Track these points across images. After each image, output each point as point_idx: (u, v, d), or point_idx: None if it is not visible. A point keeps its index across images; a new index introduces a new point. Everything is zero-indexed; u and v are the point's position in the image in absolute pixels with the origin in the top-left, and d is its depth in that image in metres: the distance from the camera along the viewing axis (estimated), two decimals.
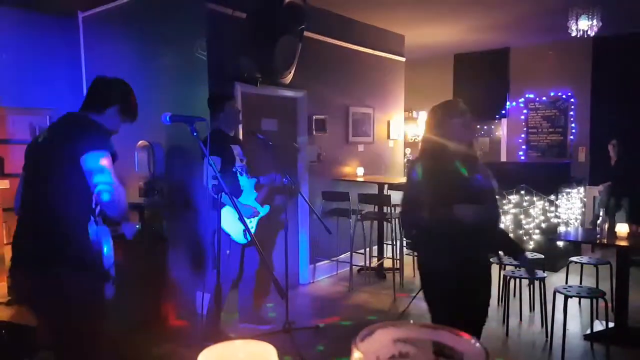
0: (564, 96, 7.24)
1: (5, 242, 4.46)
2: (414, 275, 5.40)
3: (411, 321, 0.44)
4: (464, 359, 0.36)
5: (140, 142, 4.23)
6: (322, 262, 5.33)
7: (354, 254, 5.08)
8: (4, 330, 3.55)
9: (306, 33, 4.32)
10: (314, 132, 5.20)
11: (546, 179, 5.72)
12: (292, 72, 4.20)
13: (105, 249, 1.98)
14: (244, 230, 3.43)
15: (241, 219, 2.27)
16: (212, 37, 4.08)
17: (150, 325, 3.78)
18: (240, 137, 4.38)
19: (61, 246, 1.89)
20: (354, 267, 5.16)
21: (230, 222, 3.37)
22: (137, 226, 2.20)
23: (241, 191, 3.62)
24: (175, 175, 4.25)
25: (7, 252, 4.45)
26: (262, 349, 0.47)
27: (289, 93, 4.89)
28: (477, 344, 0.37)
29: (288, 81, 4.26)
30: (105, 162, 1.88)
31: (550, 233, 5.33)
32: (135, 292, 3.40)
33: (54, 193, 1.92)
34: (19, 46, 4.94)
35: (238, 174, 3.62)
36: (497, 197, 2.45)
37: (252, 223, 3.59)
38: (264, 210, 3.73)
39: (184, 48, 4.23)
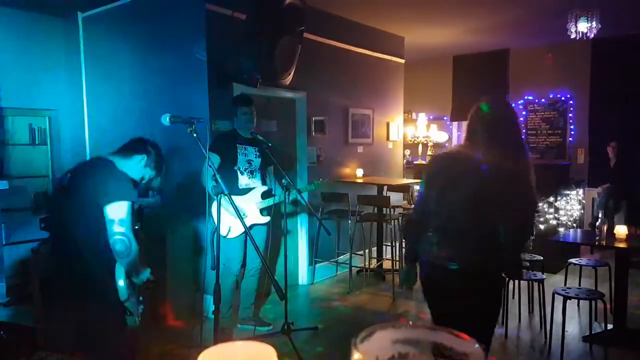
0: (563, 98, 7.25)
1: (4, 242, 4.46)
2: None
3: (410, 322, 0.44)
4: (460, 357, 0.36)
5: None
6: (321, 264, 5.33)
7: (353, 255, 5.08)
8: (3, 330, 3.55)
9: (306, 34, 4.32)
10: (313, 133, 5.20)
11: (545, 180, 5.70)
12: (292, 73, 4.20)
13: (122, 283, 2.06)
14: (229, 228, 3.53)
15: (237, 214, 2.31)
16: (212, 38, 4.08)
17: (149, 325, 3.78)
18: None
19: (88, 285, 1.99)
20: (353, 268, 5.16)
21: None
22: (141, 300, 2.22)
23: (238, 191, 3.61)
24: (175, 176, 4.25)
25: (7, 253, 4.45)
26: (262, 350, 0.48)
27: (288, 94, 4.89)
28: (476, 345, 0.37)
29: (288, 82, 4.26)
30: (124, 212, 2.00)
31: (549, 235, 5.33)
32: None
33: (78, 234, 2.01)
34: (18, 46, 4.94)
35: (239, 173, 3.64)
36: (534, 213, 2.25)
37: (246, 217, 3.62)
38: (262, 220, 3.71)
39: (183, 49, 4.23)
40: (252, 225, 3.66)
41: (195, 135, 2.29)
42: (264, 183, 3.78)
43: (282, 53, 3.99)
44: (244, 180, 3.67)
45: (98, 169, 2.09)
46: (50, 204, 2.19)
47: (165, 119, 2.38)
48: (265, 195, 3.74)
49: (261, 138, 3.69)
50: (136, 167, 2.21)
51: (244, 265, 3.76)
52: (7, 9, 4.80)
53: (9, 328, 3.54)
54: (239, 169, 3.66)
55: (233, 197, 3.45)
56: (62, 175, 2.23)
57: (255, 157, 3.73)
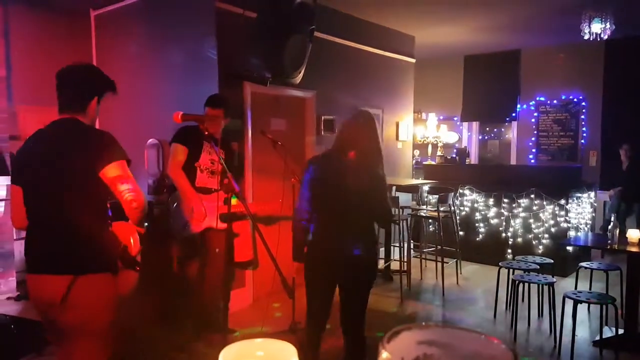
0: (575, 99, 7.18)
1: (15, 237, 4.50)
2: (421, 278, 5.38)
3: (437, 324, 0.43)
4: None
5: (149, 140, 4.25)
6: None
7: None
8: (13, 324, 3.59)
9: (316, 33, 4.31)
10: (322, 132, 5.19)
11: (556, 183, 5.68)
12: (302, 72, 4.20)
13: (132, 239, 2.04)
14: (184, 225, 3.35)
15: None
16: (222, 36, 4.09)
17: (165, 319, 3.82)
18: (250, 135, 4.39)
19: (81, 250, 1.94)
20: None
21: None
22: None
23: (196, 189, 3.43)
24: None
25: (17, 248, 4.50)
26: (283, 347, 0.47)
27: (298, 93, 4.89)
28: (504, 346, 0.36)
29: (297, 81, 4.26)
30: (125, 169, 1.98)
31: (560, 238, 5.28)
32: (148, 287, 3.44)
33: (70, 202, 1.95)
34: (30, 44, 4.99)
35: (199, 171, 3.48)
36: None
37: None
38: (221, 226, 3.43)
39: (193, 47, 4.25)
40: (208, 229, 3.44)
41: (206, 133, 2.30)
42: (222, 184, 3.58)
43: (292, 52, 3.98)
44: (202, 180, 3.47)
45: (73, 134, 2.00)
46: (22, 175, 2.05)
47: (178, 117, 2.39)
48: (225, 201, 3.56)
49: (270, 136, 3.67)
50: (95, 110, 2.10)
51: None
52: (20, 6, 4.85)
53: (19, 323, 3.58)
54: (199, 167, 3.49)
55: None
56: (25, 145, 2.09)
57: (221, 163, 3.55)
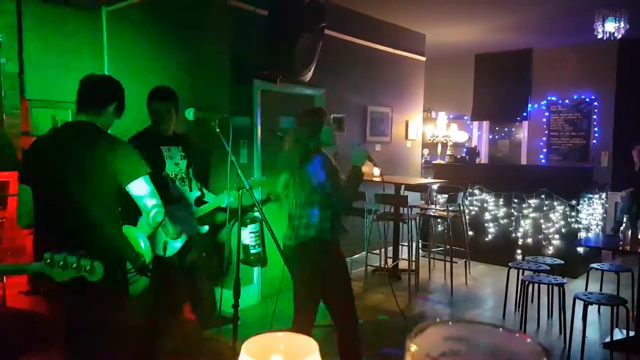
0: (587, 99, 7.10)
1: (27, 232, 4.54)
2: (430, 278, 5.36)
3: (465, 320, 0.43)
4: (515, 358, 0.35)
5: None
6: None
7: (369, 254, 5.06)
8: (23, 319, 3.63)
9: (326, 31, 4.31)
10: None
11: (567, 183, 5.62)
12: (312, 70, 4.20)
13: (143, 245, 2.11)
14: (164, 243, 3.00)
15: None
16: (233, 33, 4.10)
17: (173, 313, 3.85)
18: (259, 133, 4.39)
19: (96, 254, 1.97)
20: (369, 267, 5.14)
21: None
22: None
23: (174, 200, 3.06)
24: None
25: (29, 242, 4.54)
26: (305, 342, 0.47)
27: (307, 91, 4.89)
28: (536, 344, 0.35)
29: (307, 79, 4.26)
30: (150, 184, 2.06)
31: (570, 238, 5.23)
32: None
33: (87, 206, 2.00)
34: (42, 39, 5.03)
35: (169, 181, 3.06)
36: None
37: (177, 243, 3.07)
38: (201, 229, 3.27)
39: (205, 44, 4.26)
40: (189, 239, 3.17)
41: (218, 130, 2.31)
42: (194, 190, 3.25)
43: (302, 50, 3.98)
44: (176, 190, 3.11)
45: (105, 145, 2.04)
46: (36, 175, 2.07)
47: (190, 114, 2.39)
48: (198, 203, 3.25)
49: (280, 134, 3.65)
50: (110, 117, 2.15)
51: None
52: (32, 2, 4.89)
53: (28, 317, 3.62)
54: (169, 176, 3.05)
55: (170, 206, 2.91)
56: (35, 146, 2.13)
57: (181, 159, 3.12)
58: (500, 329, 0.38)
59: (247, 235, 4.05)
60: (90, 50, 5.33)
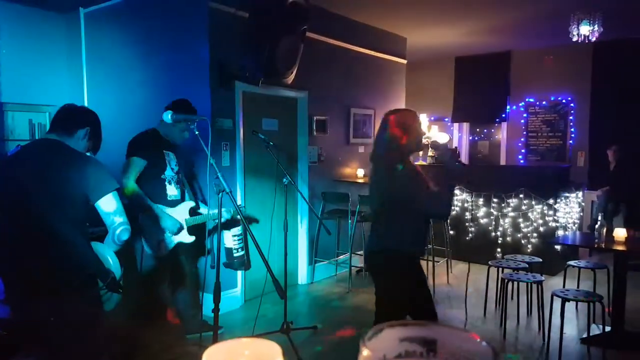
0: (564, 101, 7.26)
1: None
2: None
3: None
4: (469, 357, 0.37)
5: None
6: (321, 263, 5.34)
7: (353, 255, 5.09)
8: (2, 327, 3.55)
9: (308, 33, 4.32)
10: (314, 132, 5.21)
11: (545, 182, 5.74)
12: (294, 72, 4.21)
13: (111, 261, 2.11)
14: (158, 243, 3.15)
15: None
16: (214, 35, 4.09)
17: (150, 322, 3.83)
18: (242, 135, 4.39)
19: (66, 269, 1.96)
20: (353, 268, 5.17)
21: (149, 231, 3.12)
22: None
23: (167, 202, 3.27)
24: None
25: None
26: (268, 347, 0.48)
27: (290, 93, 4.90)
28: (484, 343, 0.37)
29: (290, 81, 4.27)
30: (119, 200, 2.06)
31: (548, 237, 5.34)
32: (133, 289, 3.42)
33: (56, 223, 1.98)
34: (19, 42, 4.94)
35: (167, 183, 3.28)
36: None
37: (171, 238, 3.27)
38: (188, 239, 3.38)
39: (185, 46, 4.24)
40: (178, 244, 3.34)
41: (197, 132, 2.30)
42: (183, 194, 3.39)
43: (284, 52, 3.99)
44: (171, 192, 3.27)
45: (73, 161, 2.03)
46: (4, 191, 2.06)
47: (168, 116, 2.39)
48: (192, 212, 3.41)
49: (262, 136, 3.66)
50: (80, 142, 2.13)
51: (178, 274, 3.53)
52: (8, 3, 4.80)
53: (7, 324, 3.54)
54: (167, 178, 3.25)
55: (166, 207, 3.20)
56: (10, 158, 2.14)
57: (175, 165, 3.34)
58: (454, 330, 0.40)
59: (230, 239, 4.05)
60: (67, 52, 5.26)
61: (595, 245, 3.68)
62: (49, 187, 1.97)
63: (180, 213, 3.38)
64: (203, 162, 3.41)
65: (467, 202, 6.06)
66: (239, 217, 3.03)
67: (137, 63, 4.64)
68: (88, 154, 2.17)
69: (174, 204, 3.33)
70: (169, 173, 3.28)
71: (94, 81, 5.08)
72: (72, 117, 2.15)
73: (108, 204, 2.02)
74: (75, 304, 1.95)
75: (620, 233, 3.58)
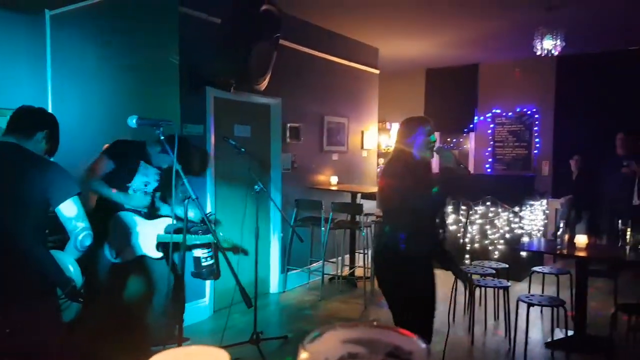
0: (529, 112, 7.50)
1: None
2: None
3: (374, 322, 0.46)
4: (408, 356, 0.38)
5: (105, 145, 4.13)
6: (294, 271, 5.32)
7: (326, 262, 5.09)
8: None
9: (283, 41, 4.34)
10: (288, 139, 5.21)
11: (511, 191, 5.89)
12: (267, 79, 4.21)
13: (72, 270, 2.04)
14: (119, 250, 3.05)
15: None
16: (185, 40, 4.05)
17: (113, 333, 3.71)
18: (213, 142, 4.34)
19: (26, 278, 1.90)
20: (325, 275, 5.17)
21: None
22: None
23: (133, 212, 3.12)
24: None
25: None
26: (216, 355, 0.47)
27: (263, 100, 4.89)
28: (420, 342, 0.39)
29: (262, 88, 4.26)
30: (80, 205, 2.01)
31: (514, 243, 5.47)
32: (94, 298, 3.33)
33: (14, 229, 1.92)
34: None
35: (131, 191, 3.12)
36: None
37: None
38: (155, 254, 3.23)
39: (155, 51, 4.18)
40: (142, 256, 3.21)
41: (162, 138, 2.27)
42: (153, 204, 3.26)
43: (257, 58, 3.99)
44: (132, 201, 3.12)
45: (34, 165, 1.98)
46: None
47: (132, 121, 2.33)
48: (168, 230, 3.24)
49: (233, 142, 3.62)
50: (39, 145, 2.08)
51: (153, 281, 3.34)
52: None
53: None
54: (131, 188, 3.14)
55: (140, 218, 3.11)
56: None
57: (154, 181, 3.20)
58: (392, 331, 0.41)
59: (198, 248, 3.97)
60: (31, 55, 5.11)
61: (558, 252, 3.79)
62: (7, 192, 1.90)
63: (156, 228, 3.28)
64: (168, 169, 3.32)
65: None
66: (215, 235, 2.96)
67: (104, 67, 4.54)
68: (45, 157, 2.11)
69: (153, 216, 3.19)
70: (136, 184, 3.14)
71: (58, 84, 4.95)
72: (30, 119, 2.10)
73: (70, 209, 1.97)
74: (33, 314, 1.88)
75: (581, 240, 3.69)
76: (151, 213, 3.24)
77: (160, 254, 3.25)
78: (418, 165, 2.56)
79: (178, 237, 3.27)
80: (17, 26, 5.01)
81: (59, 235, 2.17)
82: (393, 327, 0.41)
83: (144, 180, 3.18)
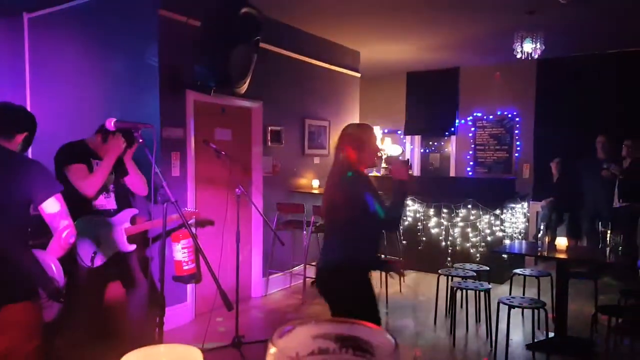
0: (509, 115, 7.60)
1: None
2: None
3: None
4: (376, 350, 0.36)
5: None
6: (275, 275, 5.27)
7: (307, 266, 5.06)
8: None
9: (263, 44, 4.31)
10: (269, 143, 5.17)
11: (492, 194, 5.96)
12: (247, 82, 4.17)
13: (55, 270, 2.03)
14: (93, 254, 3.07)
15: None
16: (165, 43, 4.00)
17: (98, 333, 3.65)
18: (193, 145, 4.29)
19: (6, 280, 1.86)
20: (307, 279, 5.13)
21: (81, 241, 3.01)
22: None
23: (96, 212, 3.13)
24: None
25: None
26: (188, 353, 0.45)
27: (244, 103, 4.86)
28: (388, 335, 0.37)
29: (243, 91, 4.23)
30: (63, 202, 1.99)
31: (495, 246, 5.52)
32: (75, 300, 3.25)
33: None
34: None
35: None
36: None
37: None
38: (129, 248, 3.26)
39: (134, 54, 4.12)
40: (120, 253, 3.23)
41: (141, 140, 2.23)
42: (119, 203, 3.27)
43: (237, 61, 3.95)
44: (99, 201, 3.15)
45: (17, 165, 1.96)
46: None
47: (110, 123, 2.30)
48: (134, 220, 3.32)
49: (214, 146, 3.59)
50: (18, 146, 2.08)
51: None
52: None
53: None
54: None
55: (103, 217, 3.12)
56: None
57: (111, 174, 3.19)
58: (362, 325, 0.39)
59: (179, 251, 3.92)
60: (8, 57, 4.99)
61: (539, 254, 3.82)
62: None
63: (120, 222, 3.26)
64: (148, 171, 3.28)
65: (419, 212, 6.19)
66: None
67: (84, 69, 4.46)
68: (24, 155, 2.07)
69: (107, 214, 3.19)
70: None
71: (37, 87, 4.85)
72: (11, 120, 2.08)
73: (53, 207, 1.96)
74: (17, 315, 1.86)
75: (562, 242, 3.74)
76: (109, 211, 3.22)
77: (134, 246, 3.23)
78: (364, 174, 2.51)
79: (145, 225, 3.26)
80: None
81: (40, 239, 2.12)
82: (363, 322, 0.39)
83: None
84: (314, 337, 0.38)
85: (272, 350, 0.36)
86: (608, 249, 3.59)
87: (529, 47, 5.07)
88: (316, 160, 5.93)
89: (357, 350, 0.37)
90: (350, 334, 0.38)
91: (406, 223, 6.23)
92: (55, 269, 1.99)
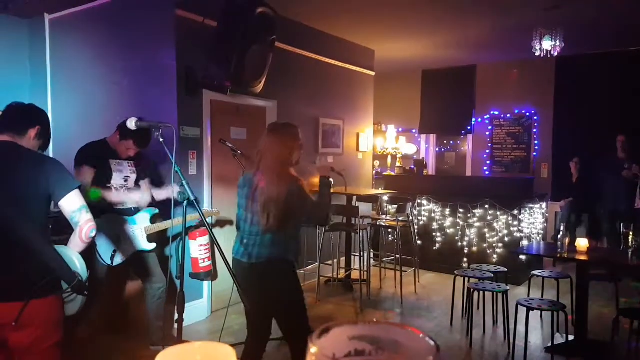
0: (527, 114, 7.50)
1: None
2: (381, 287, 5.42)
3: (374, 319, 0.43)
4: (413, 353, 0.35)
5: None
6: None
7: (321, 265, 5.06)
8: None
9: (278, 44, 4.32)
10: None
11: (510, 194, 5.88)
12: (263, 81, 4.19)
13: (78, 264, 2.05)
14: (113, 253, 3.13)
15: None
16: (182, 44, 4.03)
17: (116, 328, 3.75)
18: (209, 144, 4.32)
19: (32, 275, 1.91)
20: (321, 278, 5.13)
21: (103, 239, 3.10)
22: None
23: (115, 210, 3.23)
24: None
25: None
26: (221, 350, 0.46)
27: (259, 102, 4.87)
28: (428, 339, 0.36)
29: (258, 90, 4.24)
30: (80, 198, 2.04)
31: (513, 247, 5.45)
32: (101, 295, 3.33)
33: (19, 226, 1.93)
34: None
35: (114, 191, 3.23)
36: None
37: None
38: (149, 246, 3.33)
39: (152, 54, 4.16)
40: (139, 252, 3.31)
41: (162, 140, 2.25)
42: (139, 202, 3.35)
43: (252, 61, 3.97)
44: (119, 199, 3.24)
45: (35, 162, 2.00)
46: None
47: (132, 123, 2.33)
48: (154, 220, 3.39)
49: (230, 145, 3.61)
50: (32, 142, 2.10)
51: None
52: None
53: None
54: (114, 187, 3.23)
55: (115, 218, 3.19)
56: None
57: (132, 173, 3.32)
58: (399, 327, 0.39)
59: (196, 248, 3.96)
60: (31, 58, 5.09)
61: (558, 256, 3.75)
62: (11, 190, 1.92)
63: (141, 222, 3.31)
64: (168, 170, 3.33)
65: (434, 212, 6.14)
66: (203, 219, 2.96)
67: (103, 69, 4.52)
68: (40, 152, 2.12)
69: (128, 212, 3.28)
70: (116, 181, 3.25)
71: (58, 86, 4.94)
72: (21, 117, 2.11)
73: (73, 202, 2.01)
74: (41, 311, 1.91)
75: (582, 243, 3.67)
76: (130, 210, 3.32)
77: (154, 245, 3.28)
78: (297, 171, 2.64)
79: (163, 225, 3.34)
80: (17, 30, 5.01)
81: (60, 236, 2.15)
82: (400, 325, 0.39)
83: (123, 176, 3.27)
84: (351, 338, 0.37)
85: (313, 349, 0.36)
86: (630, 250, 3.51)
87: (548, 45, 4.98)
88: (330, 159, 5.92)
89: (393, 353, 0.36)
90: (387, 337, 0.37)
91: (421, 223, 6.19)
92: (78, 264, 2.03)
